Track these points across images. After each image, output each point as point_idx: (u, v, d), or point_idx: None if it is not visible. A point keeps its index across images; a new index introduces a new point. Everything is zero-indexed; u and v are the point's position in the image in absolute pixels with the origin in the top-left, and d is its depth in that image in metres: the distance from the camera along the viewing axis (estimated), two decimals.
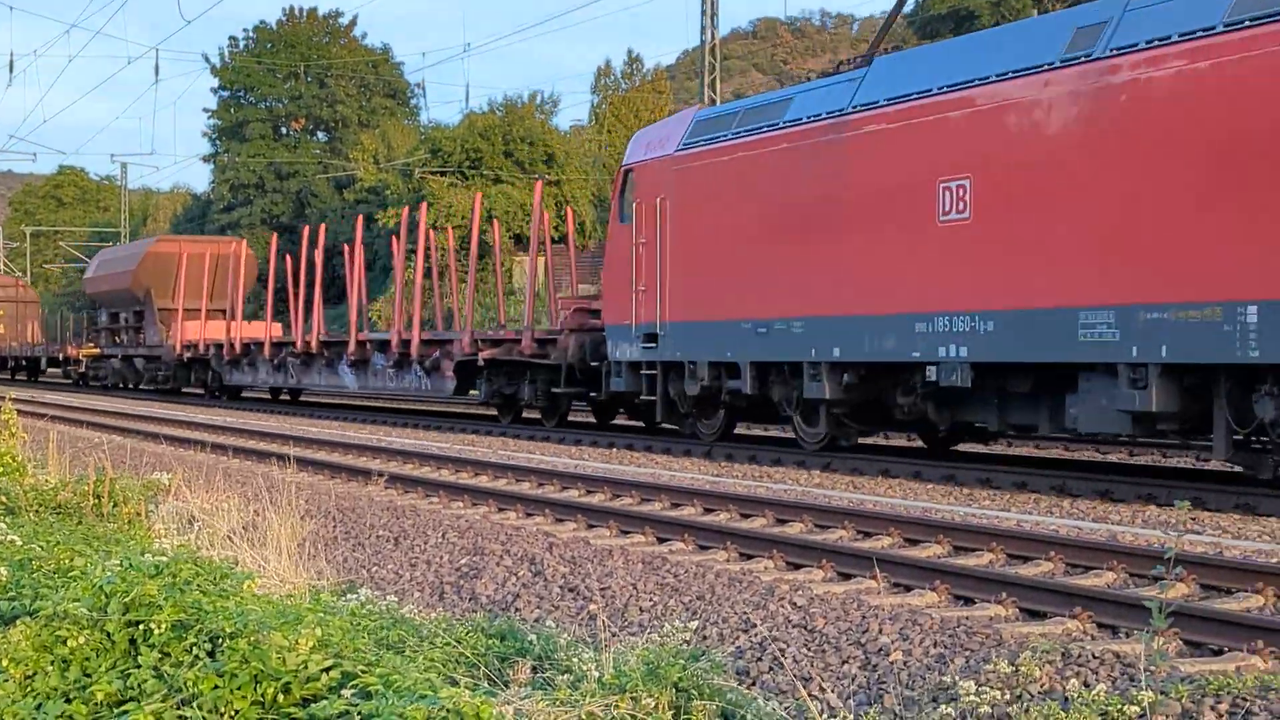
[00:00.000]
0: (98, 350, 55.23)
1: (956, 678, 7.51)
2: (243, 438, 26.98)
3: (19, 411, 16.16)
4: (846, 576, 11.02)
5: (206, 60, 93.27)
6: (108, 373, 55.00)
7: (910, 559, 11.27)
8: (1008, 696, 7.05)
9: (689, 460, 20.77)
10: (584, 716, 4.81)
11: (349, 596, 6.64)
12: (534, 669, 5.76)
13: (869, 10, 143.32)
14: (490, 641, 6.15)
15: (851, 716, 6.00)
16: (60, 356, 61.29)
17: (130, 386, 53.35)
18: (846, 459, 19.11)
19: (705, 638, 9.24)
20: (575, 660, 5.60)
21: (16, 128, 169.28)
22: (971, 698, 6.51)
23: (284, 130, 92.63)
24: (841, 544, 12.26)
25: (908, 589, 10.39)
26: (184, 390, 49.85)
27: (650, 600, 10.52)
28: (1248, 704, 6.81)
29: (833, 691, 7.89)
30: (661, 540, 13.17)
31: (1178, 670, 7.53)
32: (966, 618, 9.22)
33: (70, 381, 61.42)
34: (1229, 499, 14.25)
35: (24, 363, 69.51)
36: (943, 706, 6.38)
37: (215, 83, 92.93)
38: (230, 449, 23.86)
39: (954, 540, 12.13)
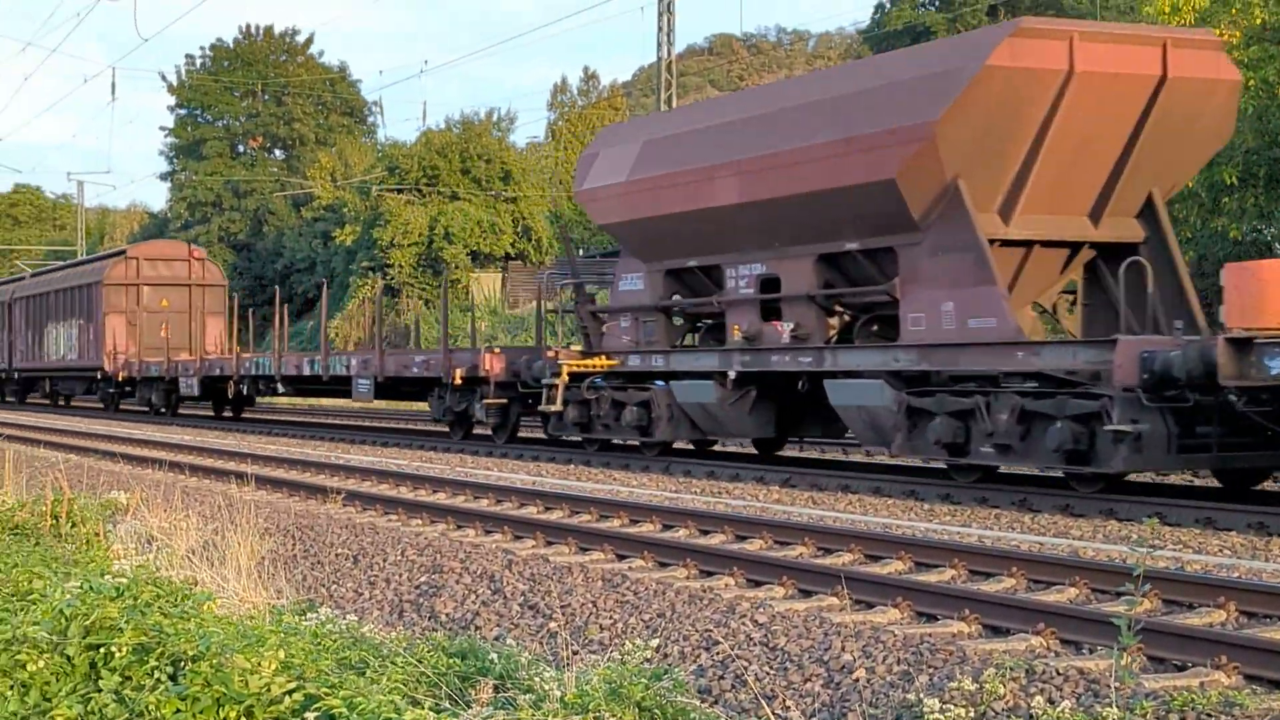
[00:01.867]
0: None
1: (921, 695, 7.51)
2: (200, 456, 26.81)
3: None
4: (808, 593, 11.00)
5: (163, 78, 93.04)
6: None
7: (872, 575, 11.27)
8: (972, 714, 7.06)
9: (647, 476, 20.75)
10: None
11: (309, 616, 6.60)
12: (496, 688, 5.72)
13: (824, 26, 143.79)
14: (451, 661, 6.10)
15: None
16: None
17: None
18: (806, 474, 19.12)
19: (666, 656, 9.22)
20: (537, 679, 5.57)
21: None
22: (936, 715, 6.52)
23: (241, 148, 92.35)
24: (802, 560, 12.26)
25: (870, 606, 10.38)
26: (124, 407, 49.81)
27: (611, 618, 10.49)
28: (1212, 719, 6.83)
29: (796, 709, 7.88)
30: (621, 557, 13.13)
31: (1142, 687, 7.54)
32: (929, 635, 9.21)
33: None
34: (1189, 513, 14.32)
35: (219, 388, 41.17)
36: None
37: (172, 101, 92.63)
38: (188, 467, 23.70)
39: (915, 556, 12.13)
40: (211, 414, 45.06)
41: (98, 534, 9.92)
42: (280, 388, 35.67)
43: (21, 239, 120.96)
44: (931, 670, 8.28)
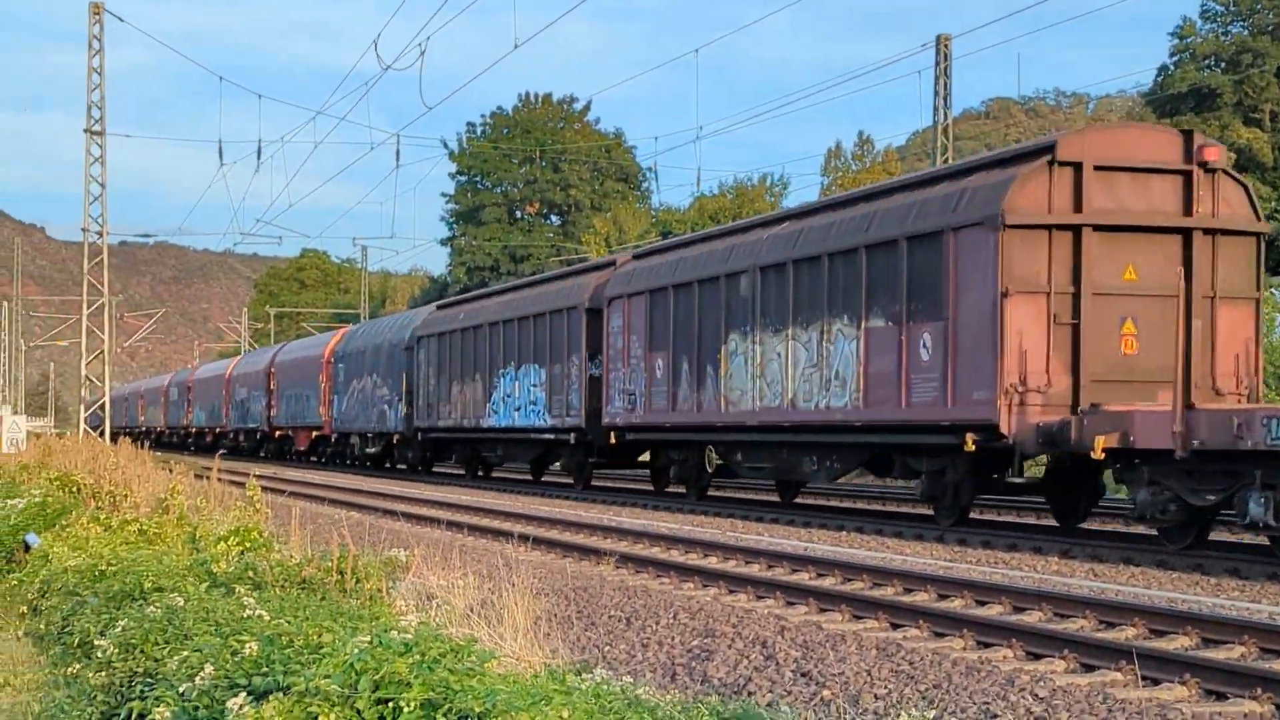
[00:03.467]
0: None
1: None
2: (478, 515, 27.35)
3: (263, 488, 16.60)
4: (1090, 668, 10.72)
5: (445, 145, 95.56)
6: None
7: (1157, 651, 10.92)
8: None
9: (920, 545, 20.48)
10: None
11: (585, 676, 6.64)
12: None
13: (1104, 89, 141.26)
14: None
15: None
16: None
17: None
18: (1086, 545, 18.65)
19: None
20: None
21: (263, 212, 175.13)
22: None
23: (518, 214, 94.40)
24: (1084, 634, 11.95)
25: (1155, 682, 10.06)
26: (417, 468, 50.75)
27: (885, 688, 10.36)
28: None
29: None
30: (895, 626, 12.98)
31: None
32: (1219, 713, 8.90)
33: None
34: None
35: None
36: None
37: (453, 168, 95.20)
38: (465, 526, 24.20)
39: (1203, 632, 11.73)
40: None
41: (380, 590, 10.15)
42: None
43: (308, 301, 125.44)
44: None
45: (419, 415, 44.50)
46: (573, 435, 33.99)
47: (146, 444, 33.86)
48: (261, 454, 69.04)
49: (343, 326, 67.55)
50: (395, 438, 48.19)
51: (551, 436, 35.68)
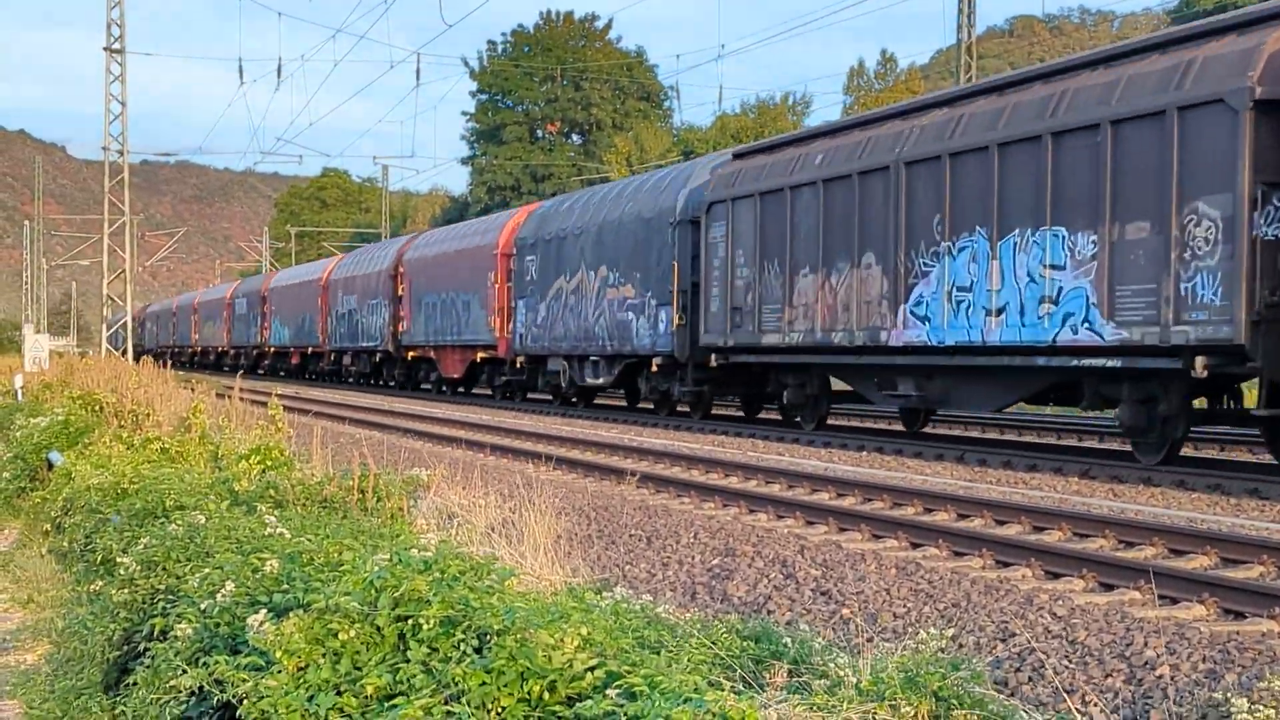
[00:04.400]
0: None
1: (1228, 695, 7.25)
2: (498, 435, 27.43)
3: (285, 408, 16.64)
4: (1109, 587, 10.73)
5: (465, 64, 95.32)
6: None
7: (1176, 570, 10.93)
8: None
9: (941, 465, 20.50)
10: None
11: (605, 595, 6.67)
12: (790, 673, 5.70)
13: (1130, 6, 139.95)
14: (745, 644, 6.11)
15: None
16: None
17: None
18: (1106, 466, 18.65)
19: (961, 646, 9.09)
20: (831, 665, 5.52)
21: (284, 131, 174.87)
22: (1244, 716, 6.27)
23: (539, 133, 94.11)
24: (1103, 553, 11.96)
25: (1174, 601, 10.08)
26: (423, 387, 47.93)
27: (904, 606, 10.40)
28: None
29: (1097, 705, 7.69)
30: (915, 546, 13.01)
31: None
32: (1237, 633, 8.91)
33: None
34: None
35: None
36: None
37: (474, 86, 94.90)
38: (487, 446, 24.27)
39: (1222, 552, 11.74)
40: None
41: (401, 509, 10.19)
42: None
43: (328, 221, 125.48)
44: (1240, 669, 8.01)
45: (713, 328, 28.71)
46: None
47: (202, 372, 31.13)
48: (384, 381, 54.00)
49: (521, 210, 43.58)
50: (654, 363, 31.33)
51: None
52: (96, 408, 20.52)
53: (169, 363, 34.50)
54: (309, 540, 7.44)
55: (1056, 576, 11.23)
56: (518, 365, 39.14)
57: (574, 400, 36.72)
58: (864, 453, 22.63)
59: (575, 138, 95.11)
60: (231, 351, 75.62)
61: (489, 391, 44.70)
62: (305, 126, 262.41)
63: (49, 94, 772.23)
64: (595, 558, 13.05)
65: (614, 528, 14.78)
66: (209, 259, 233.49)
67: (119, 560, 8.47)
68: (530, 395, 41.15)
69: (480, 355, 41.64)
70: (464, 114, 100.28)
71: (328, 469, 12.08)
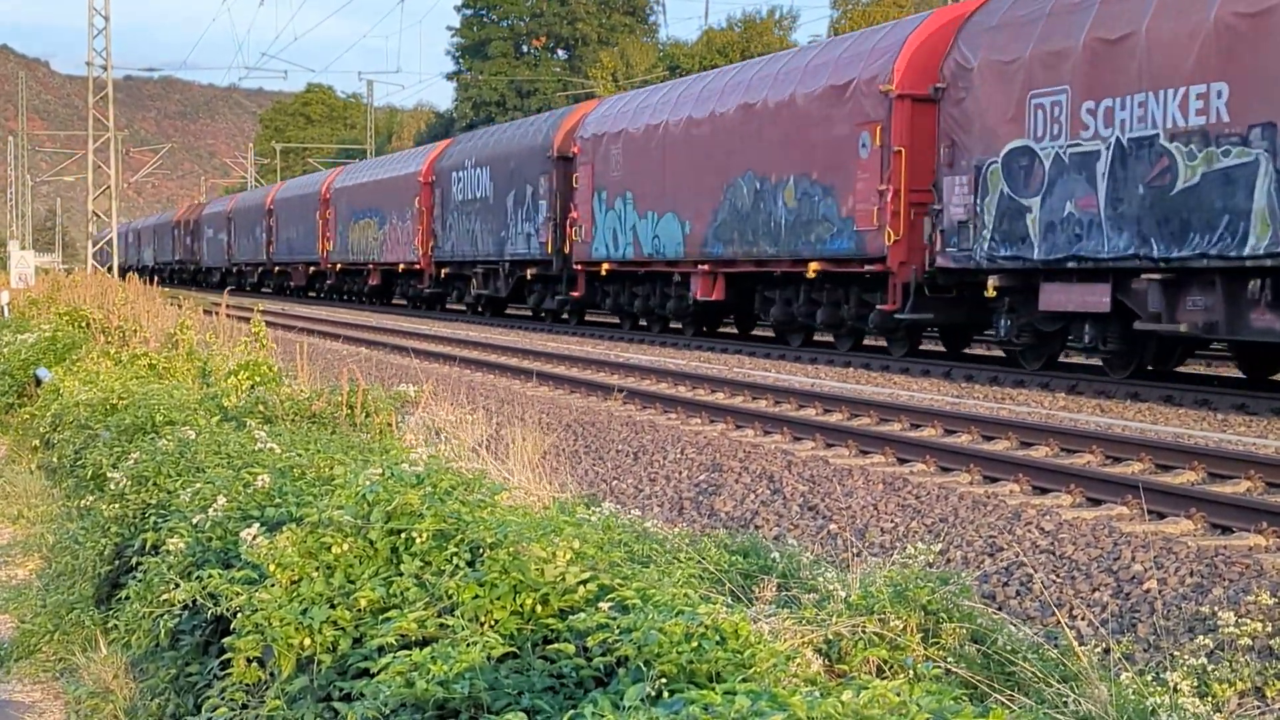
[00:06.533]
0: None
1: (1215, 608, 7.30)
2: (485, 351, 27.42)
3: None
4: (1096, 502, 10.79)
5: None
6: None
7: (1164, 485, 10.99)
8: (1269, 629, 6.83)
9: (928, 380, 20.53)
10: (831, 636, 4.77)
11: (593, 509, 6.69)
12: (779, 587, 5.73)
13: None
14: (734, 558, 6.14)
15: (1106, 644, 5.87)
16: None
17: None
18: (1094, 382, 18.69)
19: (949, 560, 9.14)
20: (820, 579, 5.55)
21: (268, 46, 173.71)
22: (1231, 629, 6.32)
23: (525, 48, 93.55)
24: (1090, 469, 12.01)
25: (1161, 516, 10.14)
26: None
27: (891, 521, 10.45)
28: None
29: (1084, 619, 7.74)
30: (902, 461, 13.05)
31: None
32: (1224, 547, 8.97)
33: None
34: None
35: None
36: (1200, 637, 6.20)
37: (459, 1, 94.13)
38: (474, 363, 24.26)
39: (1209, 467, 11.79)
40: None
41: (390, 424, 10.18)
42: None
43: (313, 137, 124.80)
44: (1226, 583, 8.07)
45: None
46: None
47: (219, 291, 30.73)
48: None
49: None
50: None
51: None
52: (83, 324, 20.45)
53: (155, 279, 34.33)
54: (300, 455, 7.44)
55: (1044, 492, 11.28)
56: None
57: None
58: (850, 369, 22.66)
59: (561, 53, 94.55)
60: (246, 268, 72.11)
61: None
62: (290, 41, 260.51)
63: (32, 9, 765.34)
64: (583, 473, 13.09)
65: (601, 443, 14.82)
66: (194, 175, 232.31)
67: (109, 475, 8.47)
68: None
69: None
70: (449, 29, 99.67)
71: (314, 383, 12.07)
